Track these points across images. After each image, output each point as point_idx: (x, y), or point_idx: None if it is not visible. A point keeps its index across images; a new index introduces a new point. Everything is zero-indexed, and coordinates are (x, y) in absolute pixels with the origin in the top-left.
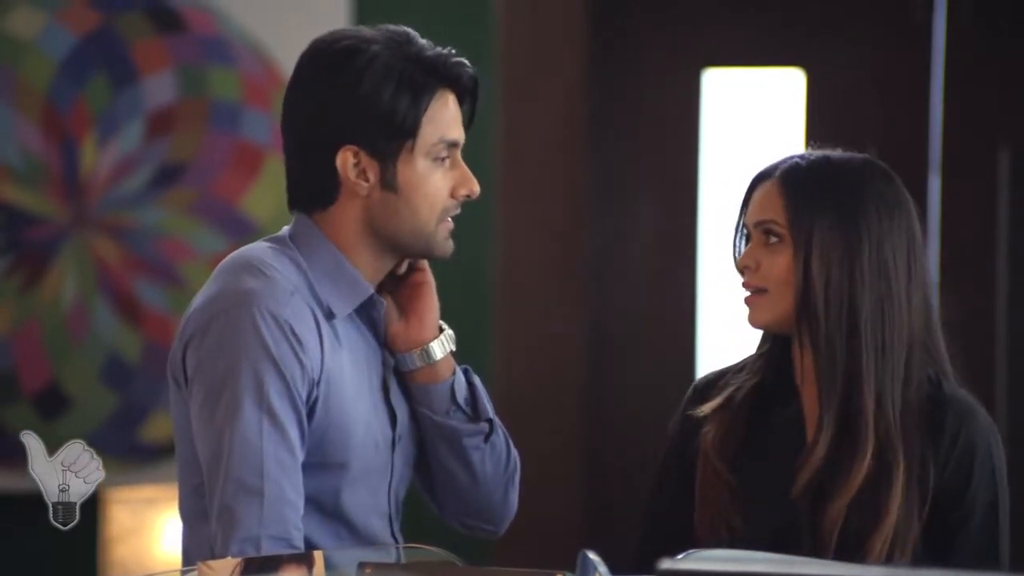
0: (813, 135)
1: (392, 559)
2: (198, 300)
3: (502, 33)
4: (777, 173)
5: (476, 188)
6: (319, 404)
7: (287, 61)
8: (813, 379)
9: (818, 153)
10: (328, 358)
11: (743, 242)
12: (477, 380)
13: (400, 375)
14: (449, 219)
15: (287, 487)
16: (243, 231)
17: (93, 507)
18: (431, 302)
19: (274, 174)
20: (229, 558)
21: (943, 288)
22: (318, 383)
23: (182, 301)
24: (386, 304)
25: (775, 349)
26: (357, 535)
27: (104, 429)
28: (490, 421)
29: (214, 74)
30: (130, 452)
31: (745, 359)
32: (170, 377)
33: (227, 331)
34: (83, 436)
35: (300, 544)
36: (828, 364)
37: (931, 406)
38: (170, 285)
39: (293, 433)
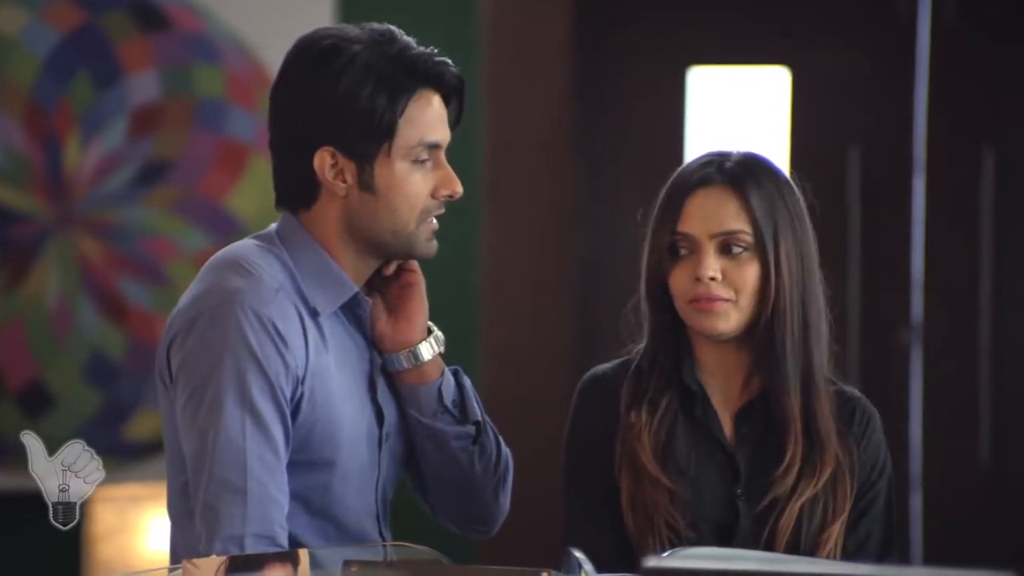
0: (798, 133)
1: (378, 557)
2: (184, 299)
3: (488, 33)
4: (725, 181)
5: (459, 189)
6: (304, 402)
7: (272, 59)
8: (724, 376)
9: (740, 154)
10: (313, 356)
11: (679, 252)
12: (467, 381)
13: (389, 375)
14: (432, 220)
15: (271, 485)
16: (228, 229)
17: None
18: (420, 303)
19: (259, 172)
20: (213, 557)
21: (926, 288)
22: (303, 381)
23: (167, 299)
24: (372, 303)
25: (669, 342)
26: (344, 533)
27: (88, 427)
28: (478, 423)
29: (199, 72)
30: (114, 450)
31: (637, 353)
32: (157, 376)
33: (210, 330)
34: (67, 434)
35: (284, 543)
36: (793, 367)
37: (840, 402)
38: (154, 283)
39: (277, 432)
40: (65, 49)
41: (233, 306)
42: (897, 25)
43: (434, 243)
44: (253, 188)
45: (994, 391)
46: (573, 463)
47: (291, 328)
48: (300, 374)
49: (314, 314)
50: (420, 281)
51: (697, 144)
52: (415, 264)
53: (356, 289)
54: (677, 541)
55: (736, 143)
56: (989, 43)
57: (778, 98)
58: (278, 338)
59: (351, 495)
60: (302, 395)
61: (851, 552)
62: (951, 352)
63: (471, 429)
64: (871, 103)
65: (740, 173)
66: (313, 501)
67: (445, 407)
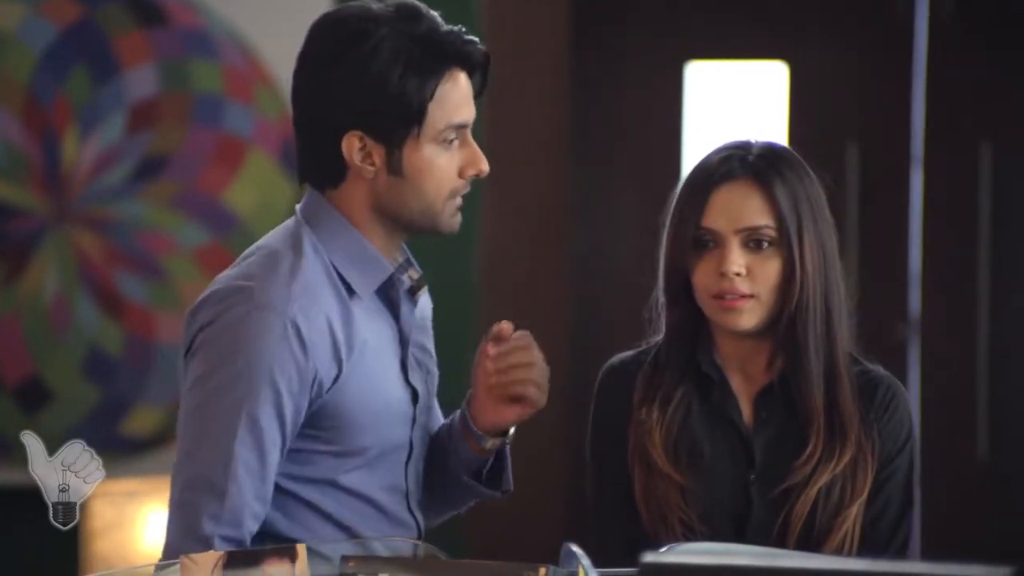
0: (796, 128)
1: (375, 552)
2: (214, 286)
3: (485, 28)
4: (749, 175)
5: (485, 167)
6: (335, 391)
7: (270, 54)
8: (745, 361)
9: (761, 145)
10: (346, 347)
11: (702, 247)
12: (508, 452)
13: (419, 354)
14: (458, 197)
15: (250, 492)
16: (225, 224)
17: None
18: (525, 411)
19: (257, 167)
20: (212, 552)
21: (924, 283)
22: (337, 376)
23: (164, 294)
24: (487, 356)
25: (687, 335)
26: (381, 513)
27: (86, 423)
28: (507, 491)
29: (196, 67)
30: (112, 446)
31: (656, 342)
32: (182, 354)
33: (229, 328)
34: (65, 429)
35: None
36: (816, 360)
37: (862, 382)
38: (152, 278)
39: (270, 440)
40: (62, 44)
41: (250, 306)
42: (895, 21)
43: (458, 218)
44: (251, 183)
45: (992, 386)
46: (594, 455)
47: (315, 329)
48: (325, 372)
49: (351, 294)
50: (537, 398)
51: (695, 139)
52: (542, 392)
53: (391, 269)
54: (691, 536)
55: (737, 137)
56: (986, 39)
57: (776, 93)
58: (297, 342)
59: (382, 474)
60: (331, 387)
61: (868, 523)
62: (949, 347)
63: (499, 495)
64: (869, 99)
65: (763, 166)
66: (343, 482)
67: (486, 474)
